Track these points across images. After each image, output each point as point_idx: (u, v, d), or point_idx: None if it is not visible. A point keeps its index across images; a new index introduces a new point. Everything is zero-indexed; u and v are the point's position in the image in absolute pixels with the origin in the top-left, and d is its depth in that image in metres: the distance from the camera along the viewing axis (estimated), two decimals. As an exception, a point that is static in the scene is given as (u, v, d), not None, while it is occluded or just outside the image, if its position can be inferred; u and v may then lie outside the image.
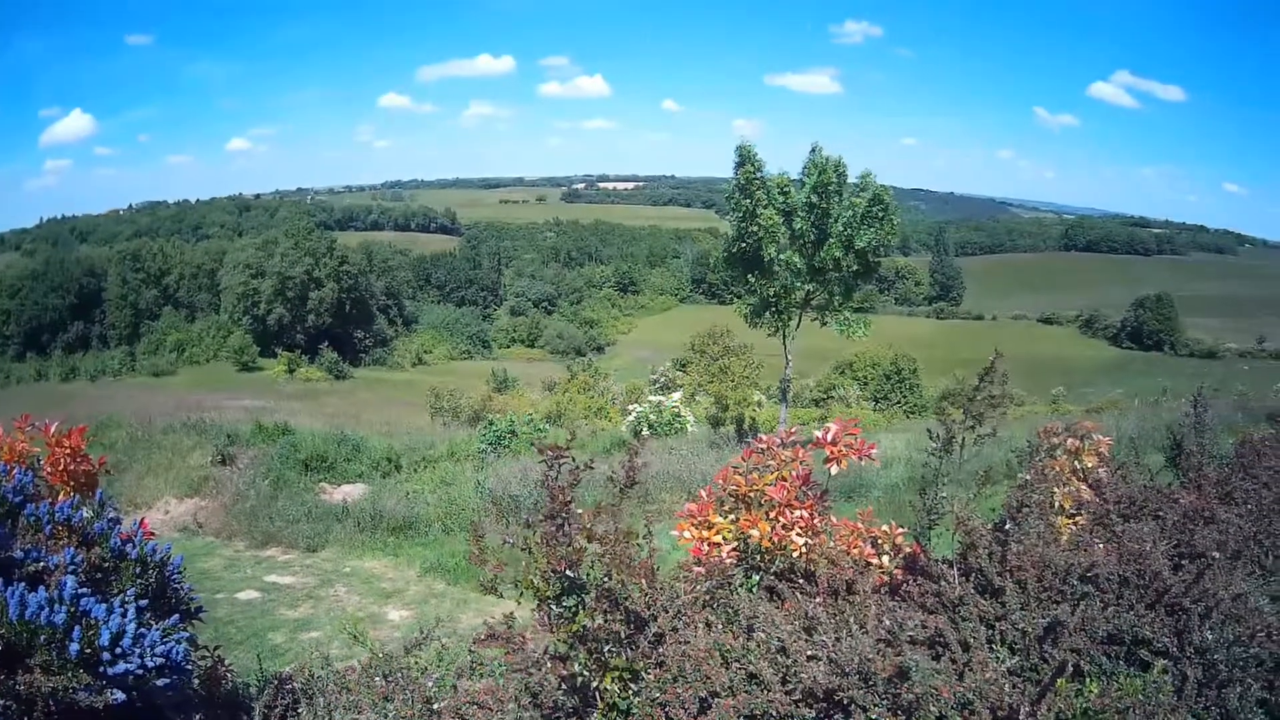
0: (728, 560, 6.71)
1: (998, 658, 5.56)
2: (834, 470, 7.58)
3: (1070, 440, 10.04)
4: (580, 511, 5.46)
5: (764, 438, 7.63)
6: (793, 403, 52.40)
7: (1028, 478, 7.34)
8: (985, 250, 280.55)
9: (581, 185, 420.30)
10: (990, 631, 5.82)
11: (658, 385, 60.08)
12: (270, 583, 20.33)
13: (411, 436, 35.66)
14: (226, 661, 7.17)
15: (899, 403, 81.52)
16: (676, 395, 46.07)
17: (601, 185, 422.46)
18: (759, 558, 6.91)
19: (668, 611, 5.41)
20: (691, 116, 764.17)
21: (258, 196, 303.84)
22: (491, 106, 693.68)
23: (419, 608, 18.66)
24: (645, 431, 38.25)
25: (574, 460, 5.55)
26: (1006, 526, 6.70)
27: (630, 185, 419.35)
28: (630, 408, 45.09)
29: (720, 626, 5.68)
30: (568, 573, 5.27)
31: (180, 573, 6.80)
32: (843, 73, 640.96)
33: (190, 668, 6.47)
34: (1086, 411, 47.67)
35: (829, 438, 7.69)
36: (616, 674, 5.22)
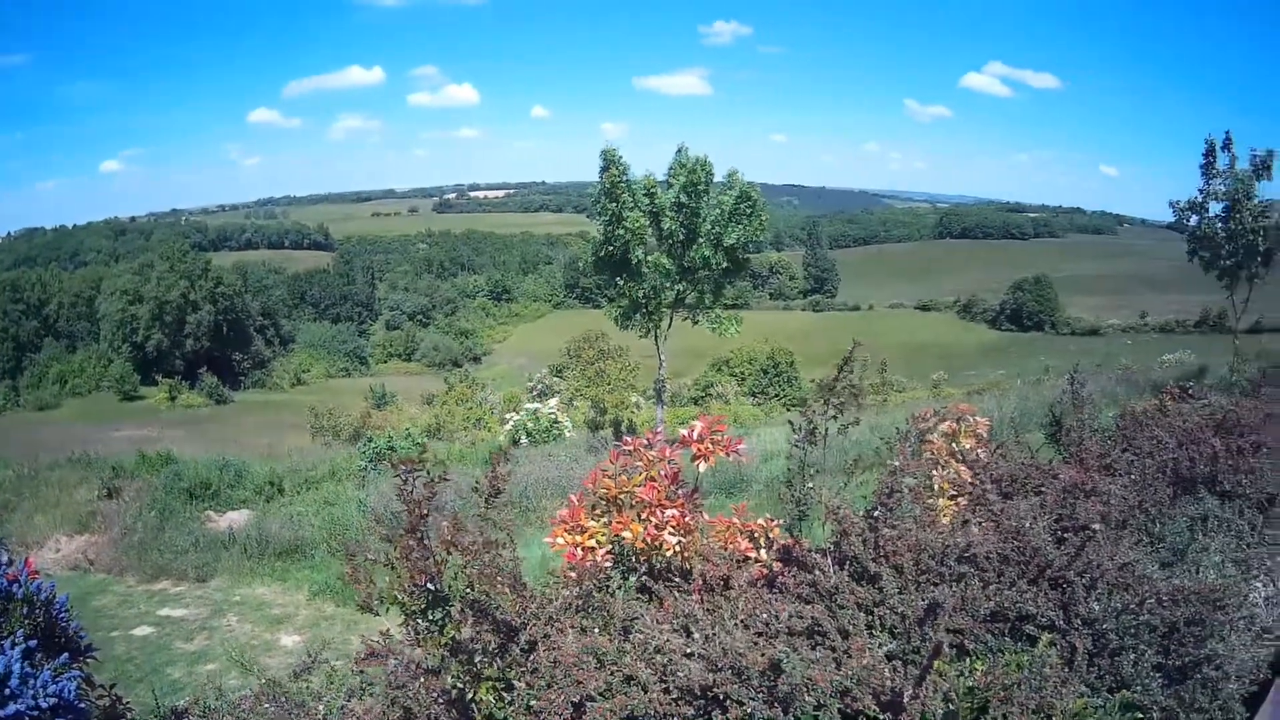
0: (603, 563, 6.74)
1: (879, 643, 5.62)
2: (702, 467, 7.64)
3: (947, 423, 10.20)
4: (445, 524, 5.47)
5: (630, 440, 7.66)
6: (671, 402, 52.75)
7: (897, 464, 7.44)
8: (859, 242, 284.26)
9: (453, 195, 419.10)
10: (869, 617, 5.86)
11: (535, 393, 59.93)
12: (164, 616, 20.23)
13: (293, 458, 35.53)
14: (125, 700, 7.10)
15: (777, 396, 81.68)
16: (553, 402, 46.57)
17: (472, 194, 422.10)
18: (634, 559, 6.93)
19: (539, 618, 5.43)
20: (560, 122, 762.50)
21: (133, 219, 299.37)
22: (361, 119, 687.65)
23: (310, 632, 18.68)
24: (524, 439, 38.64)
25: (428, 473, 5.55)
26: (876, 513, 6.80)
27: (501, 193, 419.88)
28: (508, 416, 45.44)
29: (597, 630, 5.72)
30: (429, 585, 5.27)
31: (68, 611, 6.72)
32: (712, 73, 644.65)
33: (85, 707, 6.40)
34: (968, 394, 48.63)
35: (695, 435, 7.73)
36: (490, 684, 5.22)
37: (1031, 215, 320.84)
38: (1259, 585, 8.61)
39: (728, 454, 7.74)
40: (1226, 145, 35.26)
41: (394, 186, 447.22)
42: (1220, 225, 35.39)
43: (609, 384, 50.95)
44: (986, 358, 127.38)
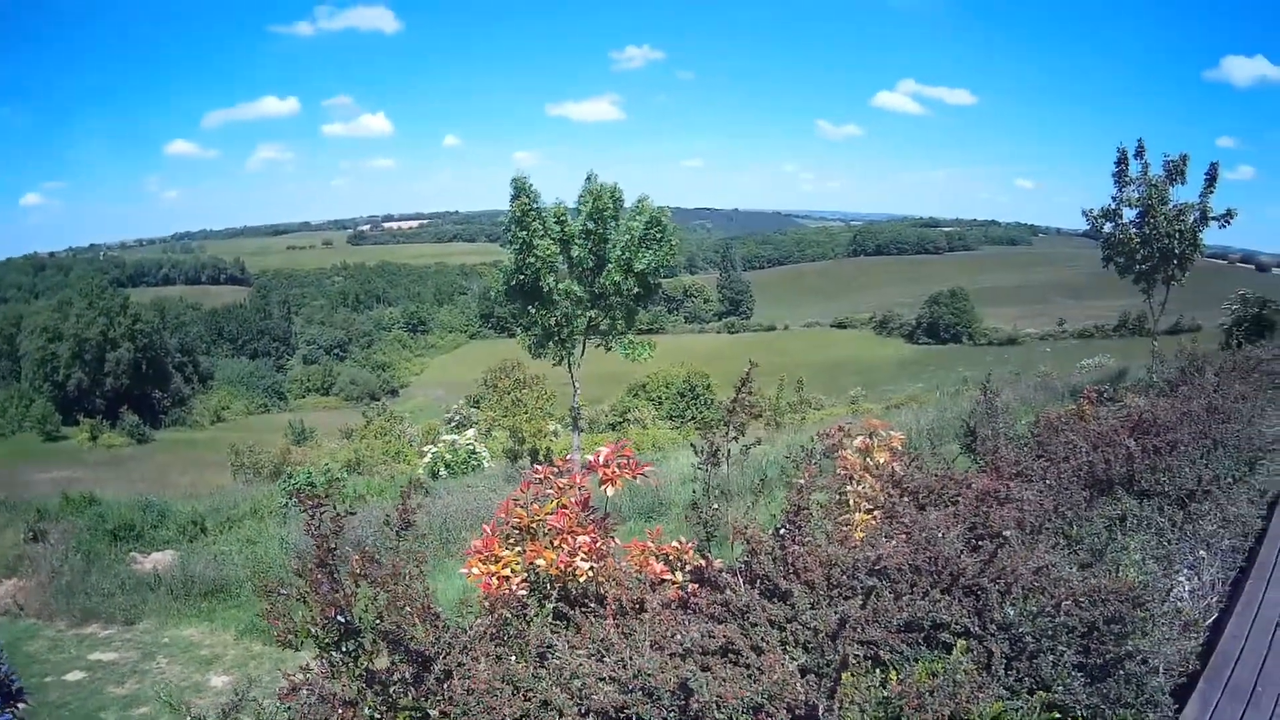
0: (519, 591, 6.81)
1: (791, 658, 5.71)
2: (609, 491, 7.77)
3: (860, 439, 10.33)
4: (354, 556, 5.49)
5: (540, 468, 7.79)
6: (590, 428, 52.72)
7: (802, 482, 7.53)
8: (773, 263, 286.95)
9: (367, 226, 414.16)
10: (782, 633, 5.98)
11: (453, 424, 59.65)
12: (95, 660, 20.06)
13: (215, 497, 35.69)
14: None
15: (695, 419, 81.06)
16: (470, 433, 46.54)
17: (386, 225, 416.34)
18: (549, 586, 6.99)
19: (453, 648, 5.45)
20: (473, 151, 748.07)
21: (52, 255, 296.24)
22: (277, 150, 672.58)
23: (239, 671, 18.61)
24: (442, 471, 38.64)
25: (335, 507, 5.58)
26: (782, 531, 6.89)
27: (415, 223, 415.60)
28: (426, 449, 45.24)
29: (514, 658, 5.76)
30: (340, 618, 5.29)
31: (-2, 654, 6.72)
32: (624, 98, 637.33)
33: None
34: (886, 409, 49.36)
35: (602, 461, 7.84)
36: (406, 714, 5.26)
37: (946, 230, 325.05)
38: (1182, 580, 8.79)
39: (634, 477, 7.87)
40: (1139, 153, 35.91)
41: (309, 219, 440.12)
42: (1135, 231, 35.98)
43: (526, 413, 50.82)
44: (904, 372, 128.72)
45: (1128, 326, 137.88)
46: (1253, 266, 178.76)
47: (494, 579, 6.95)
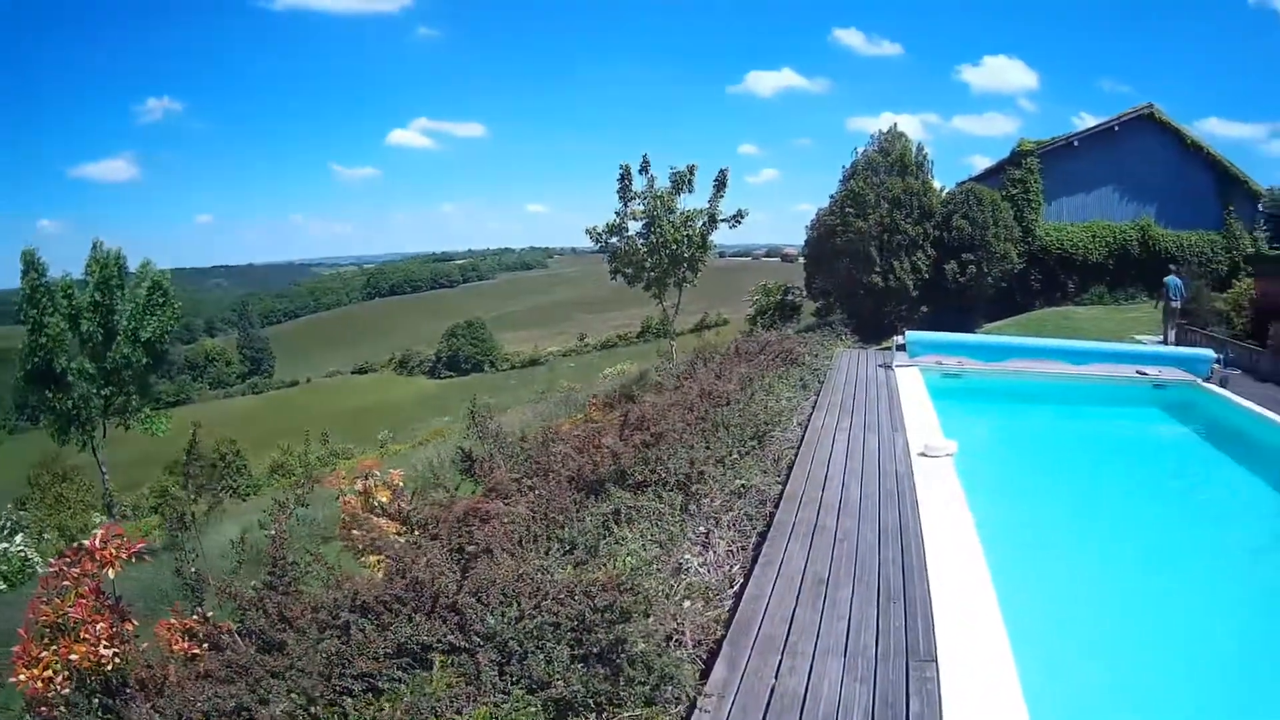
0: (64, 690, 6.93)
1: (295, 704, 6.26)
2: (111, 574, 8.06)
3: (359, 482, 10.77)
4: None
5: (52, 561, 7.93)
6: (134, 514, 51.23)
7: (274, 534, 7.94)
8: (290, 316, 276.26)
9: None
10: (285, 681, 6.48)
11: (3, 532, 56.95)
12: None
13: None
14: None
15: (228, 489, 79.07)
16: (19, 539, 44.40)
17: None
18: (89, 679, 7.12)
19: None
20: None
21: None
22: None
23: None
24: (1, 585, 36.91)
25: None
26: (258, 585, 7.29)
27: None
28: (-21, 566, 42.96)
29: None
30: None
31: None
32: (140, 155, 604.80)
33: None
34: (413, 446, 49.73)
35: (99, 544, 8.09)
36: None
37: (459, 262, 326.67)
38: (689, 556, 9.37)
39: (130, 557, 8.05)
40: (644, 168, 37.39)
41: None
42: (641, 241, 37.41)
43: (70, 508, 48.77)
44: (429, 408, 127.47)
45: (652, 331, 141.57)
46: (779, 259, 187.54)
47: (39, 682, 7.01)
